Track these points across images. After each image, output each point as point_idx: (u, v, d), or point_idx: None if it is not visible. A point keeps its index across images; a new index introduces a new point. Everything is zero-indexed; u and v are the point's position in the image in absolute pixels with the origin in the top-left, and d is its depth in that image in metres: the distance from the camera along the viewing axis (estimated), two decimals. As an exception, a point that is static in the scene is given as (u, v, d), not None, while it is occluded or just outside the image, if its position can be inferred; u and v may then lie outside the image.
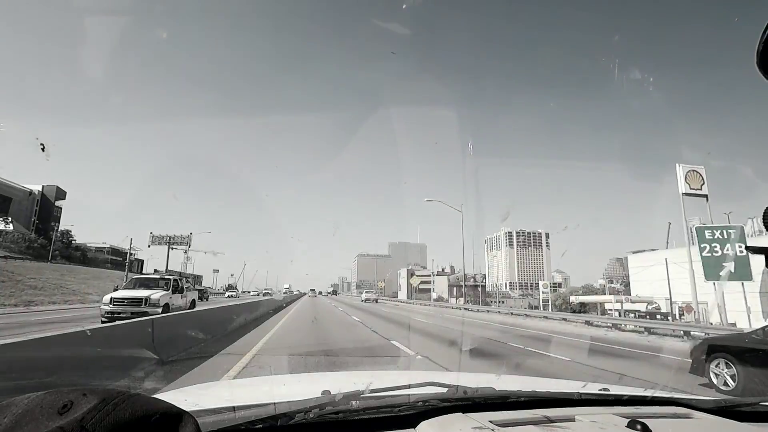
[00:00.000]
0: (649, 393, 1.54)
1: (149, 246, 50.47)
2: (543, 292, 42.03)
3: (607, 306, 36.36)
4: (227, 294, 62.78)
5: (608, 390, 1.55)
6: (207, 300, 39.69)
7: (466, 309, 33.06)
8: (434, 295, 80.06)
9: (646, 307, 33.44)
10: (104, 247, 74.24)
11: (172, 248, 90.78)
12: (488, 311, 31.89)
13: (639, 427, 1.06)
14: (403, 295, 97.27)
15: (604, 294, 46.62)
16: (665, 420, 1.24)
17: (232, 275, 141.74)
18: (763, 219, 0.89)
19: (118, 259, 72.77)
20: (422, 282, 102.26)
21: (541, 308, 41.63)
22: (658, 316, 31.21)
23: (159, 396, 1.18)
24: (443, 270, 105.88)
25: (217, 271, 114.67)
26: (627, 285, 58.59)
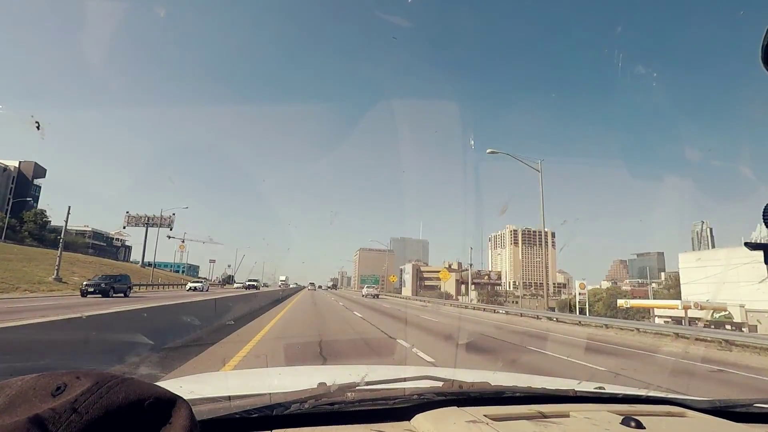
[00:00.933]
0: (643, 392, 1.54)
1: (124, 227, 44.86)
2: (580, 294, 36.32)
3: (657, 313, 31.01)
4: (189, 286, 42.97)
5: (604, 388, 1.55)
6: (125, 296, 26.18)
7: (532, 316, 27.58)
8: (473, 294, 71.30)
9: (711, 315, 28.00)
10: (86, 231, 68.68)
11: (170, 237, 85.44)
12: (521, 314, 26.43)
13: (633, 424, 1.08)
14: (407, 291, 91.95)
15: (647, 298, 41.29)
16: (659, 418, 1.25)
17: (229, 266, 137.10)
18: (764, 217, 0.88)
19: (101, 244, 67.40)
20: (428, 278, 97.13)
21: (577, 312, 36.13)
22: (728, 327, 25.83)
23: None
24: (450, 266, 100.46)
25: (214, 261, 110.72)
26: (670, 288, 53.27)
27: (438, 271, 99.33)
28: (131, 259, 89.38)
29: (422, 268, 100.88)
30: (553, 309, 69.28)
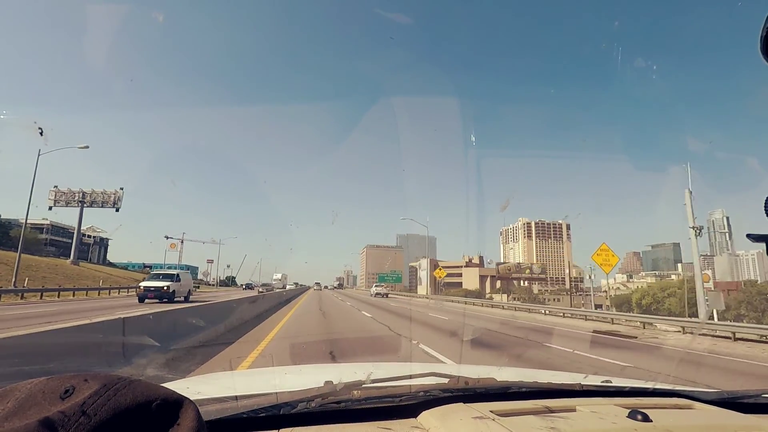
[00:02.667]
0: (650, 385, 1.54)
1: (50, 208, 33.66)
2: (706, 287, 25.58)
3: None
4: None
5: (610, 382, 1.54)
6: None
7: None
8: (497, 292, 60.77)
9: None
10: (43, 225, 58.15)
11: (168, 237, 74.94)
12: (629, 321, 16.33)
13: (639, 417, 1.08)
14: (423, 289, 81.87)
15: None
16: (666, 410, 1.25)
17: (228, 266, 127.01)
18: (765, 207, 0.94)
19: (64, 241, 57.01)
20: (448, 274, 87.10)
21: (701, 315, 25.68)
22: None
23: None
24: (471, 260, 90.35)
25: (212, 261, 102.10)
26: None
27: (458, 266, 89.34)
28: (107, 260, 79.16)
29: (440, 263, 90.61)
30: (599, 307, 58.48)
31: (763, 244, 0.94)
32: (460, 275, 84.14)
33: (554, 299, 59.28)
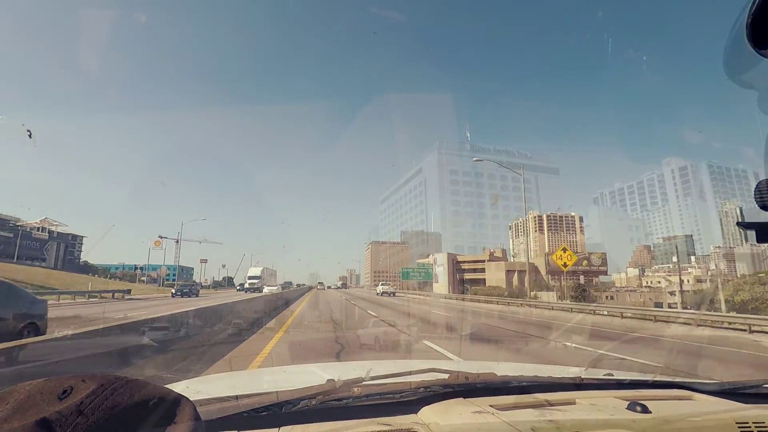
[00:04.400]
0: (650, 377, 1.55)
1: None
2: None
3: None
4: None
5: (611, 375, 1.55)
6: None
7: None
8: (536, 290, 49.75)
9: None
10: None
11: (162, 237, 65.03)
12: None
13: (638, 408, 1.09)
14: (441, 287, 72.09)
15: None
16: (666, 402, 1.26)
17: (224, 266, 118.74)
18: (755, 195, 0.95)
19: (4, 236, 46.78)
20: (468, 269, 77.34)
21: None
22: None
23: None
24: (492, 254, 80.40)
25: (205, 261, 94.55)
26: None
27: (480, 261, 79.15)
28: (83, 261, 67.72)
29: (459, 258, 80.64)
30: (659, 305, 47.99)
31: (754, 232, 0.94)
32: (483, 270, 74.26)
33: (606, 297, 49.09)
